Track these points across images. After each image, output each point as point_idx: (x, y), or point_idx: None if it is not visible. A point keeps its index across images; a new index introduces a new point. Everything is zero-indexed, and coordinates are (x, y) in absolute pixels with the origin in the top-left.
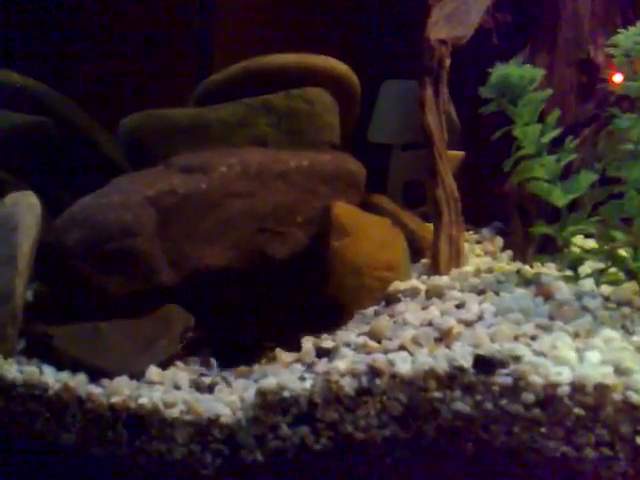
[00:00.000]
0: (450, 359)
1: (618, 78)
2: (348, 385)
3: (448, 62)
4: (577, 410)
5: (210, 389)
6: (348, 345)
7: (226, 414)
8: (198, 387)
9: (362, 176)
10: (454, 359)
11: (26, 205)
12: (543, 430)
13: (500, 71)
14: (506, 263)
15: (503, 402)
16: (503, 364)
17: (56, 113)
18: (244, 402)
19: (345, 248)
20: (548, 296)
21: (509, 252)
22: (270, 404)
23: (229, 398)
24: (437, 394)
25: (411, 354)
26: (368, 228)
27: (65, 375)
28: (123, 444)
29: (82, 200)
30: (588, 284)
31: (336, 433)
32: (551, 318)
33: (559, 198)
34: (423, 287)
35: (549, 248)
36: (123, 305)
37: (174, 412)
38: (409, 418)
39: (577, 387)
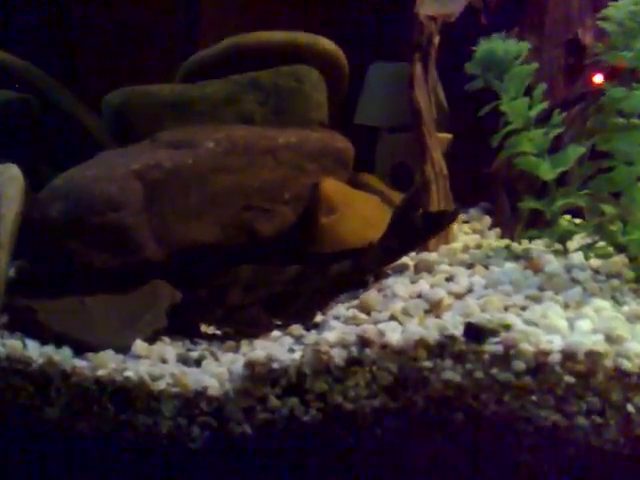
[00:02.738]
0: (441, 328)
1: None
2: (338, 355)
3: (437, 39)
4: (568, 378)
5: (198, 363)
6: (337, 318)
7: (214, 386)
8: (185, 361)
9: (350, 154)
10: (445, 328)
11: (9, 177)
12: (534, 398)
13: (485, 46)
14: (494, 240)
15: (494, 371)
16: (494, 332)
17: (37, 89)
18: (232, 374)
19: (333, 225)
20: (538, 269)
21: (497, 230)
22: (259, 376)
23: (217, 370)
24: (427, 363)
25: (401, 324)
26: (357, 205)
27: (49, 349)
28: (109, 418)
29: (66, 173)
30: (577, 258)
31: (325, 404)
32: (541, 290)
33: (547, 172)
34: (411, 263)
35: (537, 225)
36: (108, 280)
37: (161, 385)
38: (399, 388)
39: (568, 355)
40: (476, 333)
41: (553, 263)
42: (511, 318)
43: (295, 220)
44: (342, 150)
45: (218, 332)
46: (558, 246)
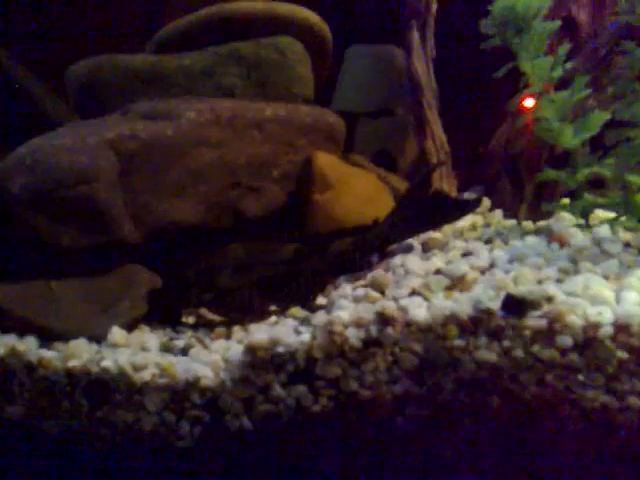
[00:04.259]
0: (475, 301)
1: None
2: (354, 336)
3: (435, 6)
4: (620, 353)
5: (184, 352)
6: (344, 298)
7: (207, 376)
8: (169, 350)
9: (342, 129)
10: (479, 301)
11: None
12: (580, 378)
13: (503, 2)
14: (501, 220)
15: (535, 348)
16: (535, 305)
17: None
18: (229, 362)
19: (328, 202)
20: (563, 243)
21: (498, 211)
22: (261, 362)
23: (209, 358)
24: (458, 342)
25: (426, 299)
26: (353, 181)
27: (11, 338)
28: (82, 415)
29: (29, 142)
30: (604, 231)
31: (338, 391)
32: (573, 262)
33: (570, 139)
34: (416, 242)
35: (540, 205)
36: (77, 262)
37: (145, 375)
38: (425, 371)
39: (621, 327)
40: (517, 306)
41: (578, 236)
42: (553, 289)
43: (284, 200)
44: (333, 125)
45: (201, 319)
46: (572, 221)
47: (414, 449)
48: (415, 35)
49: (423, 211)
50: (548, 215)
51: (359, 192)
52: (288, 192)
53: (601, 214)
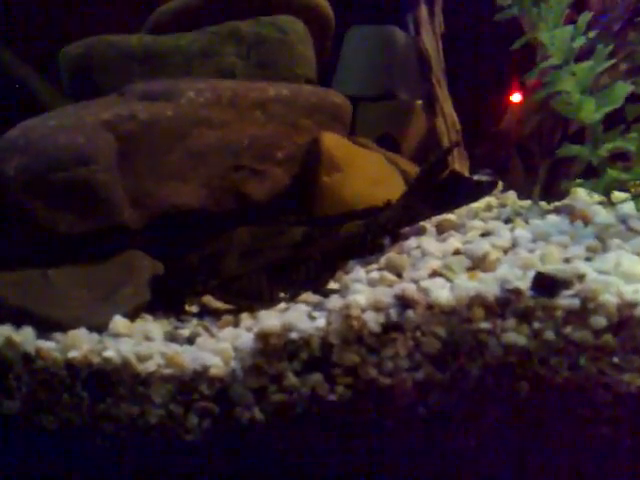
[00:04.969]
0: (502, 281)
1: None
2: (372, 320)
3: None
4: None
5: (190, 341)
6: (358, 281)
7: (217, 365)
8: (174, 339)
9: (348, 110)
10: (507, 281)
11: None
12: (616, 360)
13: None
14: (514, 201)
15: (567, 330)
16: (567, 284)
17: None
18: (239, 350)
19: (336, 184)
20: (587, 220)
21: (511, 192)
22: (274, 349)
23: (217, 347)
24: (485, 325)
25: (449, 280)
26: (361, 163)
27: (7, 329)
28: (83, 409)
29: (23, 123)
30: (628, 208)
31: (356, 379)
32: (600, 240)
33: (591, 113)
34: (428, 224)
35: (555, 185)
36: (75, 248)
37: (150, 366)
38: (448, 356)
39: None
40: (548, 285)
41: (602, 214)
42: (584, 267)
43: (289, 182)
44: (339, 105)
45: (204, 307)
46: (589, 200)
47: (437, 440)
48: (423, 10)
49: (440, 192)
50: (562, 195)
51: (368, 174)
52: (292, 175)
53: (617, 194)
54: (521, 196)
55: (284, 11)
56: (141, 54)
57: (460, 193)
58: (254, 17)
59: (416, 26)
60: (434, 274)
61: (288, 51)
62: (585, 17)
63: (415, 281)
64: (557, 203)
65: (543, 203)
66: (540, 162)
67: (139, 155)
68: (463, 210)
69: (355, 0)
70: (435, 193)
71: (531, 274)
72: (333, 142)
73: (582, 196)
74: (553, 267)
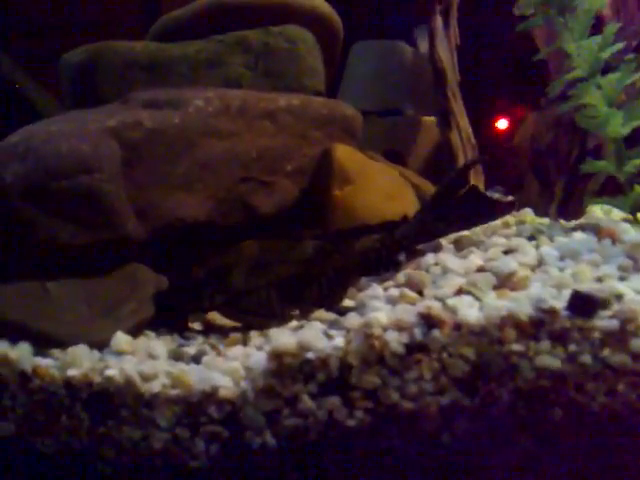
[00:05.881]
0: (537, 300)
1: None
2: (395, 340)
3: None
4: None
5: (196, 360)
6: (376, 298)
7: (227, 386)
8: (179, 357)
9: (359, 122)
10: (542, 300)
11: None
12: None
13: None
14: (532, 218)
15: (605, 352)
16: (605, 304)
17: None
18: (250, 370)
19: (349, 197)
20: (615, 238)
21: (528, 209)
22: (288, 369)
23: (226, 366)
24: (517, 346)
25: (477, 299)
26: (374, 176)
27: (2, 345)
28: (82, 432)
29: (24, 129)
30: None
31: (376, 403)
32: (632, 259)
33: (618, 127)
34: (445, 241)
35: (572, 202)
36: (76, 260)
37: (154, 386)
38: (477, 380)
39: None
40: (585, 305)
41: (630, 232)
42: (622, 287)
43: (298, 195)
44: (350, 118)
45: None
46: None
47: (463, 470)
48: (438, 21)
49: (458, 209)
50: (579, 213)
51: (380, 187)
52: (302, 188)
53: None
54: (537, 213)
55: (293, 21)
56: (146, 62)
57: (480, 211)
58: (262, 27)
59: (430, 38)
60: (460, 292)
61: (296, 62)
62: (612, 28)
63: (439, 299)
64: (580, 221)
65: (562, 221)
66: (556, 179)
67: (144, 164)
68: (479, 227)
69: (361, 15)
70: (453, 209)
71: (566, 293)
72: (345, 154)
73: (599, 214)
74: (589, 286)
